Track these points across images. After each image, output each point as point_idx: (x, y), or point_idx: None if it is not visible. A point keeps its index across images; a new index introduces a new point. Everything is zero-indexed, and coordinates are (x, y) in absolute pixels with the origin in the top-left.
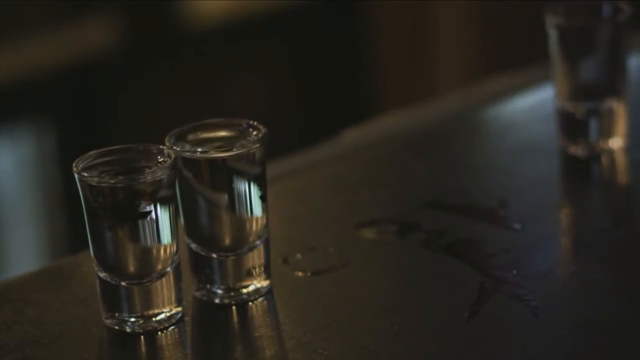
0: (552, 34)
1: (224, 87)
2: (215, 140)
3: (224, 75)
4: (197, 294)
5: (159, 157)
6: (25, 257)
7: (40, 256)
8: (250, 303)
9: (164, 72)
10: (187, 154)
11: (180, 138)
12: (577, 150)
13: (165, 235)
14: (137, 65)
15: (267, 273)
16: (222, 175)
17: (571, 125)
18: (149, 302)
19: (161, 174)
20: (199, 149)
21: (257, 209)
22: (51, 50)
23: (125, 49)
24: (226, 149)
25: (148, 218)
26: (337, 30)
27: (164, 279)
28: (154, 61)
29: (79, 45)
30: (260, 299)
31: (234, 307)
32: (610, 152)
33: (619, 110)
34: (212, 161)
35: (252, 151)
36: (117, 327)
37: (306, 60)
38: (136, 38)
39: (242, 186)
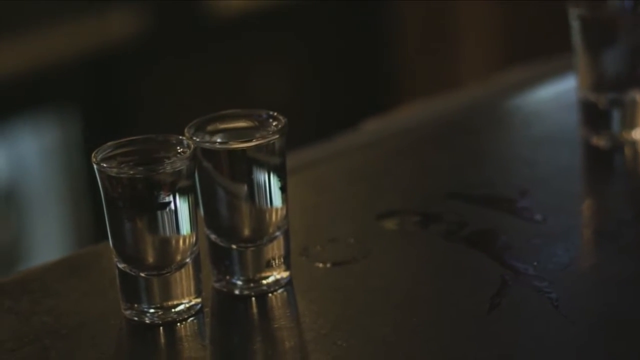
0: (575, 25)
1: (245, 78)
2: (235, 130)
3: (246, 66)
4: (217, 285)
5: (178, 148)
6: (50, 245)
7: (65, 244)
8: (269, 294)
9: (187, 61)
10: (207, 144)
11: (200, 129)
12: (600, 141)
13: (185, 226)
14: (161, 55)
15: (287, 264)
16: (241, 166)
17: (594, 116)
18: (168, 293)
19: (180, 164)
20: (219, 140)
21: (277, 199)
22: (75, 39)
23: (148, 38)
24: (246, 139)
25: (167, 209)
26: (359, 21)
27: (183, 270)
28: (177, 51)
29: (103, 34)
30: (279, 290)
31: (253, 299)
32: (633, 143)
33: None
34: (232, 152)
35: (272, 142)
36: (136, 318)
37: (327, 50)
38: (160, 28)
39: (262, 177)
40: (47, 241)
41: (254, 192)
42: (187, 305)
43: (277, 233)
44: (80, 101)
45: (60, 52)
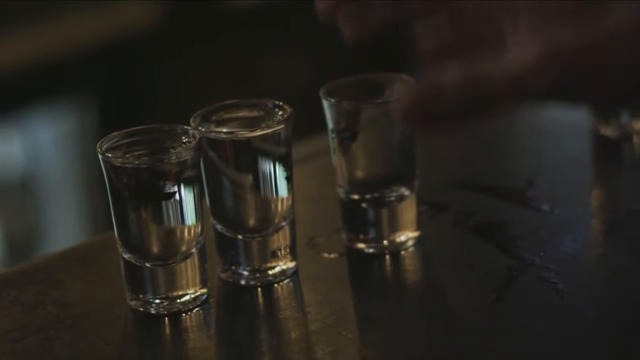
0: None
1: (261, 66)
2: (240, 120)
3: (262, 54)
4: (223, 275)
5: (183, 138)
6: (66, 234)
7: (81, 233)
8: (275, 285)
9: (203, 50)
10: (212, 134)
11: (206, 118)
12: (608, 131)
13: (190, 216)
14: (177, 43)
15: (293, 254)
16: (247, 156)
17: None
18: (173, 283)
19: (186, 154)
20: (224, 130)
21: (283, 189)
22: (92, 27)
23: (165, 26)
24: (251, 129)
25: (172, 199)
26: None
27: (188, 261)
28: (194, 39)
29: (120, 22)
30: (285, 281)
31: (259, 289)
32: None
33: None
34: (237, 142)
35: (277, 131)
36: (141, 309)
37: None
38: (176, 16)
39: (268, 167)
40: (63, 229)
41: (260, 182)
42: (193, 296)
43: (283, 223)
44: (96, 89)
45: (77, 41)
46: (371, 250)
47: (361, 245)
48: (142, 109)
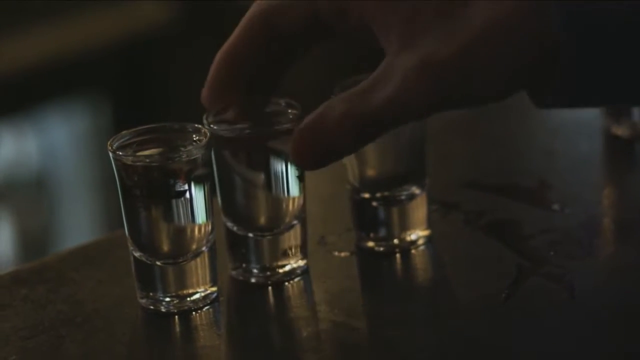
0: None
1: None
2: (252, 118)
3: None
4: (233, 273)
5: (194, 136)
6: (81, 232)
7: (95, 231)
8: (286, 283)
9: (218, 48)
10: (224, 132)
11: (218, 116)
12: (620, 130)
13: (200, 215)
14: (192, 41)
15: (304, 253)
16: (259, 154)
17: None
18: (183, 281)
19: (196, 153)
20: (236, 127)
21: (295, 188)
22: (106, 25)
23: (180, 25)
24: (264, 127)
25: (183, 197)
26: None
27: (198, 259)
28: (209, 38)
29: (135, 21)
30: (296, 279)
31: (269, 287)
32: None
33: None
34: (249, 140)
35: (290, 130)
36: (151, 307)
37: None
38: (191, 14)
39: (280, 165)
40: (78, 228)
41: (272, 181)
42: (203, 294)
43: (294, 222)
44: (111, 88)
45: (91, 39)
46: (382, 249)
47: (371, 244)
48: (156, 108)
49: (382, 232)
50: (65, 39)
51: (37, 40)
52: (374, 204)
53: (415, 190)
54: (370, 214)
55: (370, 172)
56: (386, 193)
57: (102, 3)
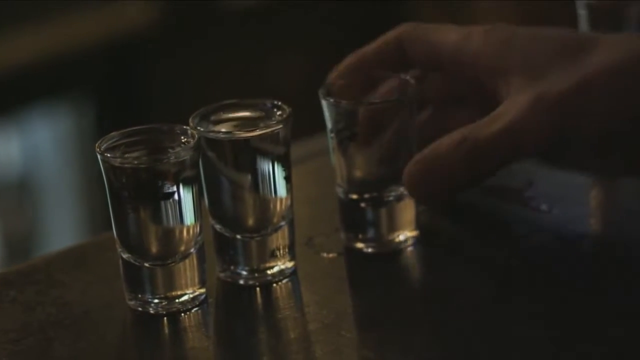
0: (582, 14)
1: (260, 65)
2: (239, 120)
3: (260, 54)
4: (221, 275)
5: (182, 138)
6: (64, 234)
7: (79, 233)
8: (274, 284)
9: (202, 49)
10: (211, 134)
11: (204, 118)
12: None
13: (189, 216)
14: (176, 42)
15: (292, 254)
16: (245, 156)
17: None
18: (172, 283)
19: (184, 154)
20: (223, 130)
21: (282, 189)
22: (90, 28)
23: (163, 26)
24: (250, 129)
25: (171, 199)
26: (374, 15)
27: (187, 260)
28: (192, 39)
29: (118, 22)
30: (284, 281)
31: (258, 289)
32: None
33: None
34: (236, 142)
35: (276, 131)
36: (140, 309)
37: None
38: (175, 15)
39: (266, 167)
40: (61, 230)
41: (258, 182)
42: (191, 296)
43: (282, 223)
44: (94, 90)
45: (74, 41)
46: (370, 250)
47: (360, 245)
48: (140, 109)
49: (371, 233)
50: (48, 40)
51: (20, 42)
52: (362, 205)
53: (404, 191)
54: (359, 215)
55: (358, 174)
56: (374, 194)
57: (85, 4)
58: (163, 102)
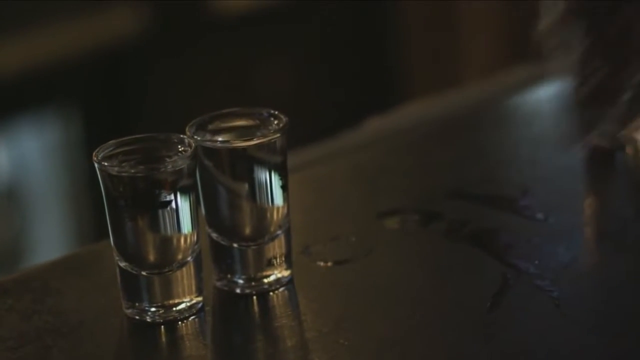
0: None
1: (248, 74)
2: (236, 129)
3: (249, 63)
4: (218, 283)
5: (179, 147)
6: (52, 244)
7: (67, 243)
8: (271, 293)
9: (190, 59)
10: (208, 143)
11: (201, 127)
12: (601, 140)
13: (186, 225)
14: (164, 52)
15: (288, 263)
16: (243, 165)
17: (594, 115)
18: (169, 291)
19: (182, 163)
20: (220, 139)
21: (278, 198)
22: (78, 37)
23: (151, 36)
24: (247, 138)
25: (168, 207)
26: (363, 19)
27: (184, 269)
28: (181, 48)
29: (106, 32)
30: (281, 289)
31: (254, 297)
32: (634, 142)
33: None
34: (233, 150)
35: (273, 140)
36: (137, 317)
37: (329, 49)
38: (163, 25)
39: (263, 175)
40: (49, 239)
41: (255, 191)
42: (188, 304)
43: (279, 232)
44: (82, 99)
45: (62, 50)
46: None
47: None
48: (128, 118)
49: None
50: (37, 49)
51: (7, 51)
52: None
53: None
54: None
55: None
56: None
57: (73, 14)
58: (152, 110)
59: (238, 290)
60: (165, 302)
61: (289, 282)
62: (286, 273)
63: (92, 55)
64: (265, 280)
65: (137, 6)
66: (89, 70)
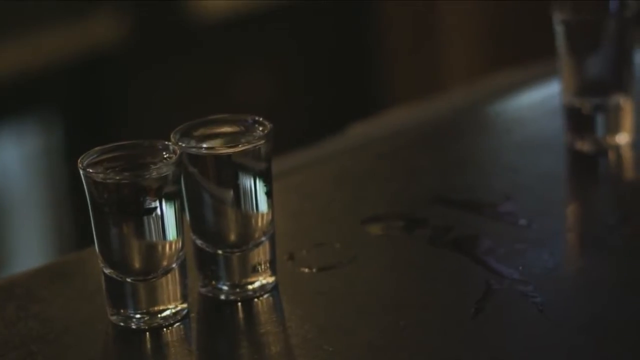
0: (559, 29)
1: (230, 82)
2: (221, 136)
3: (231, 70)
4: (203, 290)
5: (164, 153)
6: (32, 252)
7: (46, 251)
8: (255, 299)
9: (171, 66)
10: (193, 150)
11: (186, 134)
12: (584, 145)
13: (171, 232)
14: (144, 59)
15: (273, 269)
16: (227, 172)
17: (578, 121)
18: (154, 298)
19: (166, 170)
20: (205, 145)
21: (263, 205)
22: (58, 45)
23: (132, 43)
24: (232, 144)
25: (153, 214)
26: (345, 25)
27: (169, 275)
28: (161, 56)
29: (86, 40)
30: (265, 296)
31: (239, 304)
32: (617, 148)
33: (626, 106)
34: (218, 157)
35: (257, 147)
36: (122, 324)
37: (312, 54)
38: (143, 32)
39: (248, 182)
40: (29, 247)
41: (240, 198)
42: (173, 311)
43: (263, 238)
44: (62, 107)
45: (43, 58)
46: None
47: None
48: (109, 127)
49: None
50: (17, 57)
51: None
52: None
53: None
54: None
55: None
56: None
57: (54, 21)
58: (132, 118)
59: (223, 297)
60: (150, 309)
61: (273, 289)
62: (271, 279)
63: (73, 63)
64: (250, 287)
65: (118, 14)
66: (70, 78)
